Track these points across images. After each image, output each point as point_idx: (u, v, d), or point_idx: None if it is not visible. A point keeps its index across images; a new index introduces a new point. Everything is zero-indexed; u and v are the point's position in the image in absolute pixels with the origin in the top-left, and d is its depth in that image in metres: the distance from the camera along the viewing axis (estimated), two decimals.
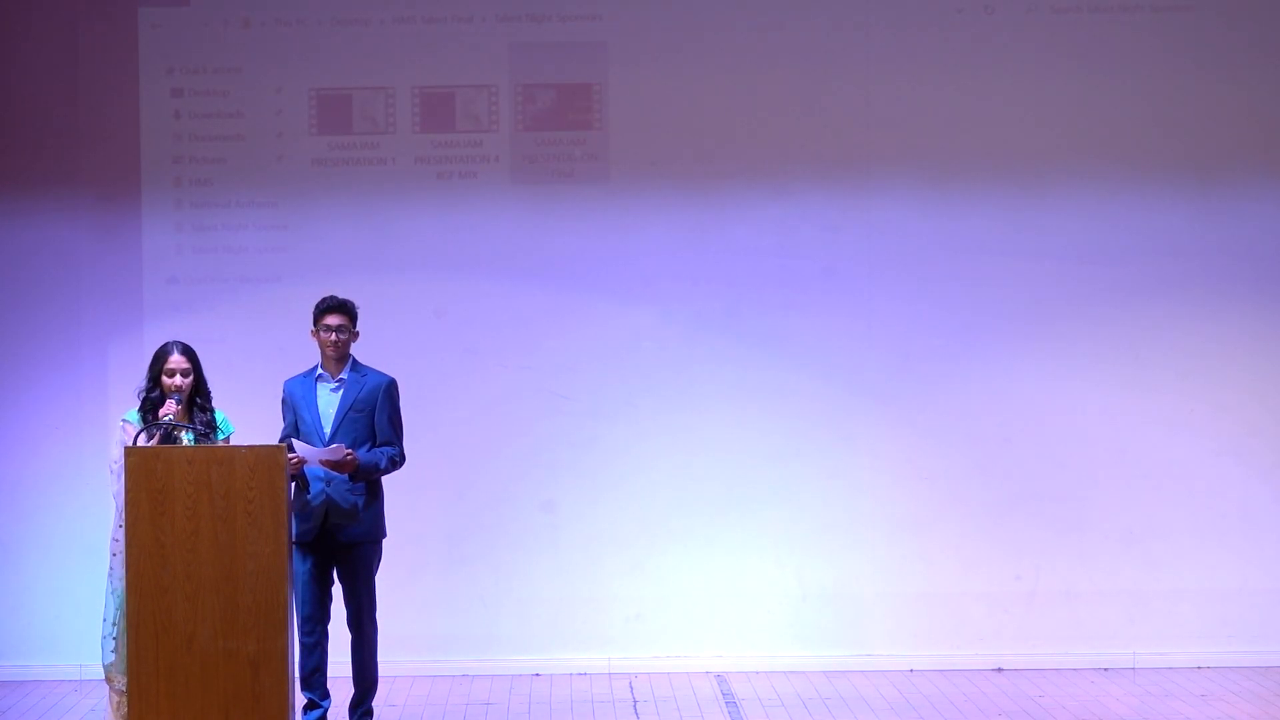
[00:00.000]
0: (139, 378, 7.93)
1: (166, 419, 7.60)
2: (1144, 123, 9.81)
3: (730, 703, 9.00)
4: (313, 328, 8.04)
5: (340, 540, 7.95)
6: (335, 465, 7.79)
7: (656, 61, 9.77)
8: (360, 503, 7.94)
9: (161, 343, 7.89)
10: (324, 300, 8.02)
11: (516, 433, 9.74)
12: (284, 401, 8.08)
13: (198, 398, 7.82)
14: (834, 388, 9.77)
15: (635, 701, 9.04)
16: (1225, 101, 9.82)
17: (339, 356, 8.00)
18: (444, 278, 9.75)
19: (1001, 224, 9.80)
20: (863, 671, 9.59)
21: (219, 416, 7.87)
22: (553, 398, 9.76)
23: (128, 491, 7.25)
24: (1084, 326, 9.80)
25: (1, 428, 9.68)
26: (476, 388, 9.73)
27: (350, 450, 7.83)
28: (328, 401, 8.00)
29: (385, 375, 8.09)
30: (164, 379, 7.75)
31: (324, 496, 7.89)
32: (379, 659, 8.14)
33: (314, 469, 7.82)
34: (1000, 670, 9.67)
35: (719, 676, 9.57)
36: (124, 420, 7.81)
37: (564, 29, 9.79)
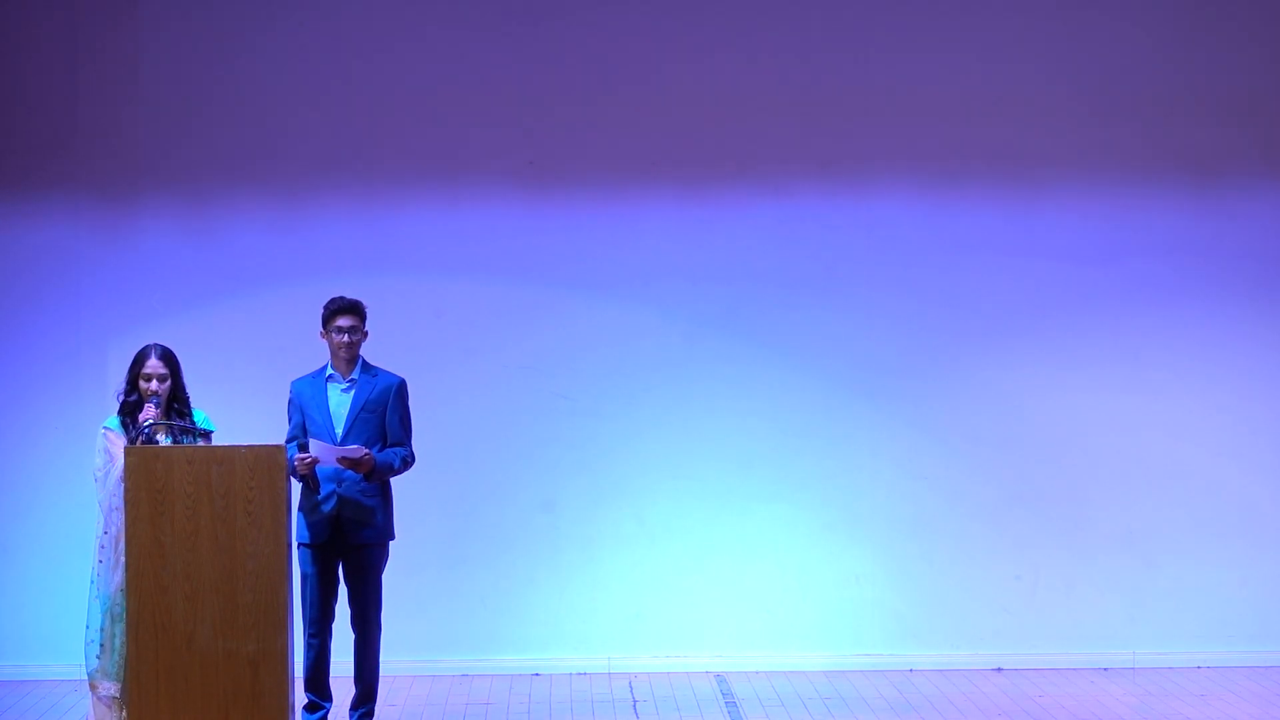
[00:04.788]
0: None
1: (146, 424, 7.57)
2: (1144, 122, 9.81)
3: (730, 703, 9.00)
4: (322, 330, 8.00)
5: (352, 542, 7.92)
6: (353, 464, 7.77)
7: (655, 61, 9.77)
8: (375, 504, 7.92)
9: (141, 346, 7.85)
10: (334, 301, 7.97)
11: (516, 433, 9.75)
12: (290, 402, 8.04)
13: (175, 402, 7.77)
14: (834, 388, 9.78)
15: (635, 701, 9.04)
16: (1225, 101, 9.82)
17: (351, 358, 7.98)
18: (444, 278, 9.75)
19: (1001, 224, 9.80)
20: (863, 671, 9.59)
21: (199, 416, 7.82)
22: (553, 397, 9.76)
23: (128, 491, 7.25)
24: (1084, 326, 9.80)
25: (1, 427, 9.68)
26: (476, 388, 9.73)
27: (367, 450, 7.82)
28: (339, 402, 7.97)
29: (396, 376, 8.07)
30: (141, 384, 7.72)
31: (335, 499, 7.87)
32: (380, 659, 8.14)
33: (324, 469, 7.80)
34: (1000, 670, 9.67)
35: (719, 676, 9.57)
36: (105, 428, 7.77)
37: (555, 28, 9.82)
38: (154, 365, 7.71)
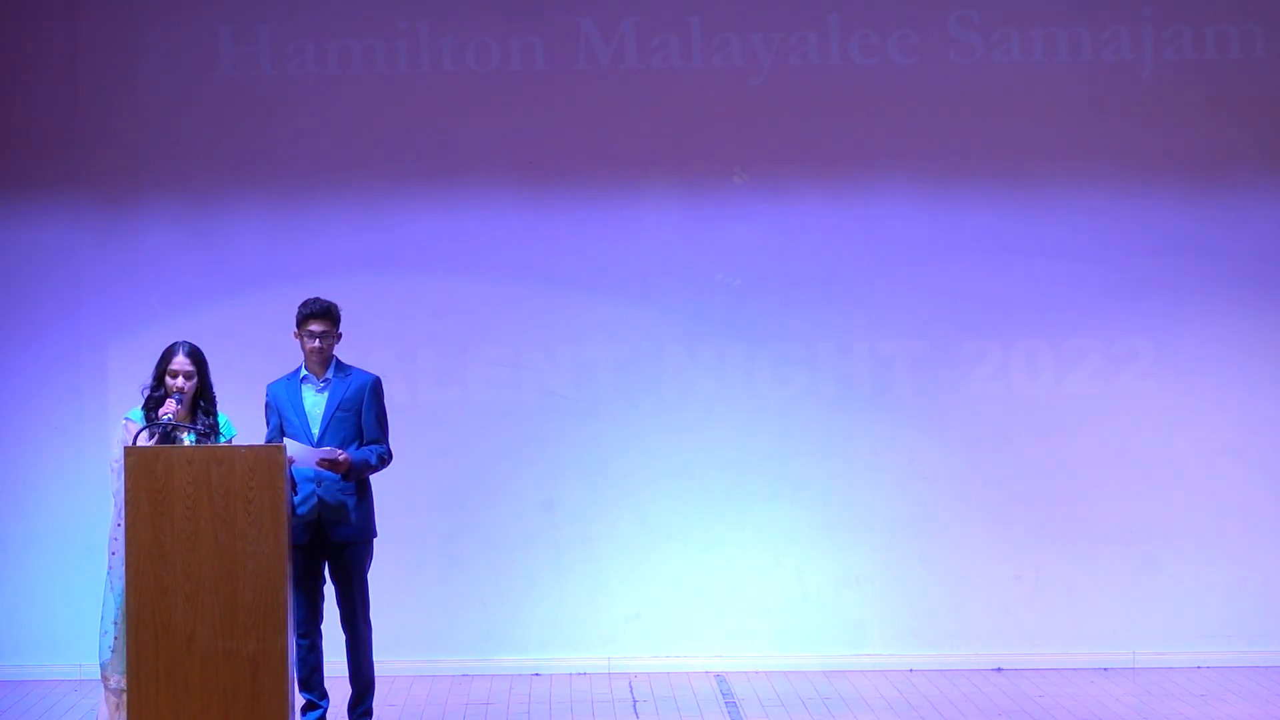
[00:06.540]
0: (139, 378, 7.89)
1: (166, 418, 7.58)
2: (1144, 122, 9.81)
3: (730, 703, 9.00)
4: (295, 330, 8.02)
5: (333, 540, 7.93)
6: (330, 465, 7.77)
7: (655, 61, 9.77)
8: (351, 502, 7.93)
9: (169, 342, 7.85)
10: (306, 305, 7.98)
11: (516, 433, 9.75)
12: (267, 405, 8.05)
13: (201, 400, 7.79)
14: (834, 387, 9.78)
15: (635, 701, 9.04)
16: (1225, 101, 9.82)
17: (324, 361, 8.00)
18: (444, 278, 9.75)
19: (1001, 224, 9.80)
20: (863, 671, 9.59)
21: (222, 419, 7.84)
22: (553, 398, 9.76)
23: (128, 491, 7.24)
24: (1083, 326, 9.80)
25: (1, 428, 9.68)
26: (476, 387, 9.73)
27: (344, 452, 7.82)
28: (314, 402, 7.98)
29: (370, 374, 8.08)
30: (166, 379, 7.73)
31: (315, 499, 7.87)
32: (375, 658, 8.13)
33: (303, 470, 7.80)
34: (1000, 670, 9.66)
35: (719, 676, 9.57)
36: (126, 418, 7.79)
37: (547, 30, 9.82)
38: (181, 362, 7.73)
